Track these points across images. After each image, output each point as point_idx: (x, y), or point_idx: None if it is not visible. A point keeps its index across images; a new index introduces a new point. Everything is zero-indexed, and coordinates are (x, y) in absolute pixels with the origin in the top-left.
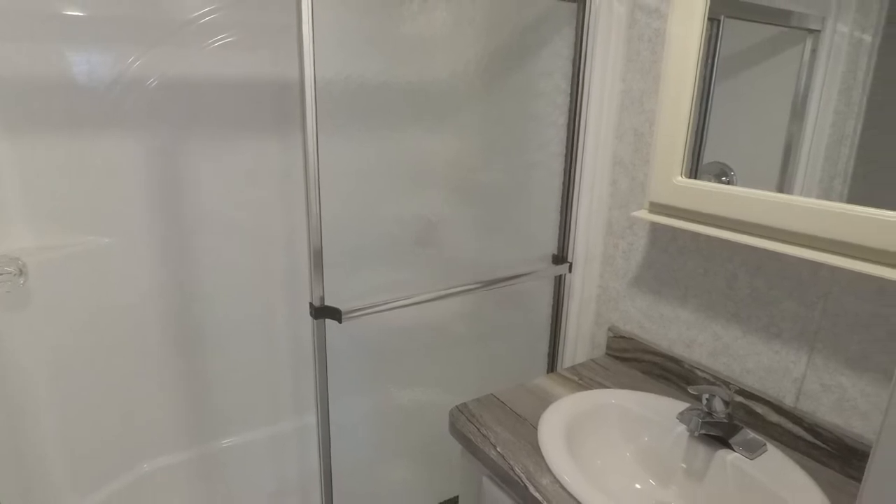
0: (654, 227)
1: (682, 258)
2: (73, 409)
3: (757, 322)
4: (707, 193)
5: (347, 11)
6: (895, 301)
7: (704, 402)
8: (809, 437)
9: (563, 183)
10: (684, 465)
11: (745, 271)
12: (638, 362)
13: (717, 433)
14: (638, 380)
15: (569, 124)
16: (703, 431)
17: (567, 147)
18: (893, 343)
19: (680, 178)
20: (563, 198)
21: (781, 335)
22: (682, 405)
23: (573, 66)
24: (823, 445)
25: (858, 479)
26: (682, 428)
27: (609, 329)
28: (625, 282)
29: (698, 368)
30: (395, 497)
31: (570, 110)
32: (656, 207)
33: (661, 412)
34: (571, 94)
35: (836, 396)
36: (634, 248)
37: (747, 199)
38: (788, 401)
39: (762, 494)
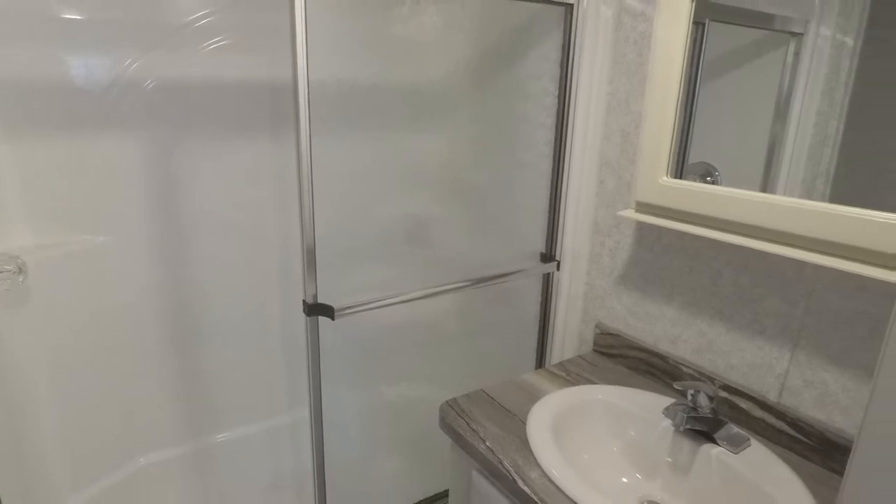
0: (641, 226)
1: (667, 257)
2: (73, 408)
3: (741, 319)
4: (692, 193)
5: (340, 14)
6: (876, 299)
7: (689, 397)
8: (792, 432)
9: (552, 183)
10: (670, 460)
11: (729, 269)
12: (624, 358)
13: (702, 428)
14: (624, 375)
15: (557, 125)
16: (688, 426)
17: (555, 148)
18: (874, 340)
19: (665, 178)
20: (551, 197)
21: (765, 332)
22: (667, 400)
23: (561, 68)
24: (806, 440)
25: (840, 473)
26: (667, 423)
27: (596, 326)
28: (611, 280)
29: (683, 364)
30: (387, 490)
31: (558, 112)
32: (642, 207)
33: (647, 407)
34: (559, 97)
35: (819, 392)
36: (621, 246)
37: (731, 199)
38: (772, 396)
39: (746, 488)
